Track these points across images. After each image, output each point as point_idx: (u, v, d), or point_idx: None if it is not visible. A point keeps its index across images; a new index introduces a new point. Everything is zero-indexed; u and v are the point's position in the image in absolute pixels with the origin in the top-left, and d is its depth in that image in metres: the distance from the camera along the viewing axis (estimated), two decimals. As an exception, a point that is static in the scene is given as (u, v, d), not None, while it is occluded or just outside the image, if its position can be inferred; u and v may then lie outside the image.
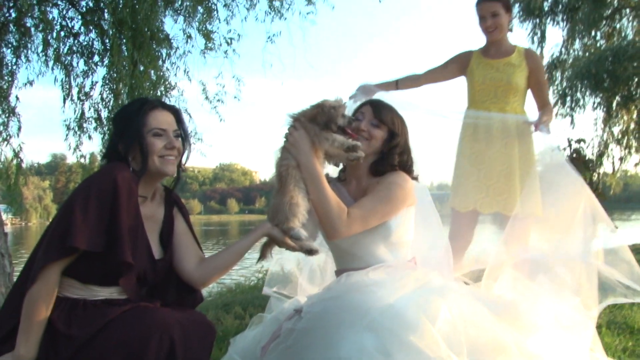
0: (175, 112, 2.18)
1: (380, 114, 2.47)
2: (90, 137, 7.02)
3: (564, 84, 18.19)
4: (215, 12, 7.33)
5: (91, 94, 6.98)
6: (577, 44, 18.44)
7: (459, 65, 3.80)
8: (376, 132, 2.45)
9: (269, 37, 7.43)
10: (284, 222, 2.15)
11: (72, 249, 1.85)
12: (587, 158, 7.86)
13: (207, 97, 7.69)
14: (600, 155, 16.86)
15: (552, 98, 18.66)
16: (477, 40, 3.75)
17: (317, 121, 2.26)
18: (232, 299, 5.77)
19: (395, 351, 1.81)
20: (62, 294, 1.92)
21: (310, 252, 2.17)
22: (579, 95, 17.61)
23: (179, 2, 7.14)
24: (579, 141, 7.81)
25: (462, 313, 1.96)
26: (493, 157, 3.53)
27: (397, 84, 3.70)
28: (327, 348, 1.93)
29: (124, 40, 6.25)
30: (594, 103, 17.72)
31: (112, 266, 1.92)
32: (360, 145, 2.28)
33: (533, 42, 18.91)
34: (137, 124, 2.04)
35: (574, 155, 7.57)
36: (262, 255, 2.35)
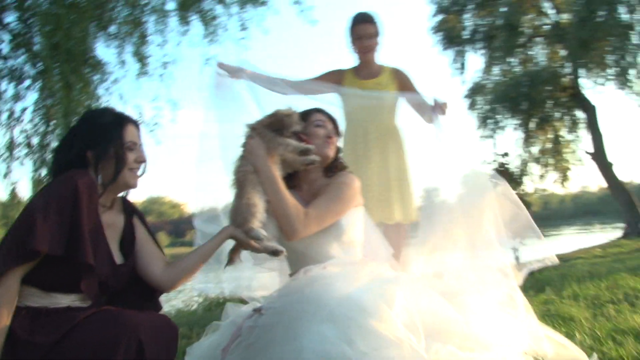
0: (138, 126, 2.24)
1: (337, 125, 2.64)
2: (22, 164, 6.81)
3: (485, 107, 19.18)
4: (148, 38, 7.36)
5: (21, 119, 6.78)
6: (496, 70, 19.56)
7: (330, 79, 3.77)
8: (335, 138, 2.61)
9: (207, 60, 7.49)
10: (244, 223, 2.23)
11: (34, 253, 1.83)
12: (511, 171, 8.35)
13: (143, 122, 7.62)
14: (522, 174, 17.78)
15: (474, 121, 19.62)
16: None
17: (272, 128, 2.40)
18: (176, 321, 5.69)
19: (356, 337, 1.92)
20: (22, 303, 1.89)
21: (274, 252, 2.25)
22: (499, 117, 18.61)
23: (114, 27, 7.13)
24: (504, 155, 8.30)
25: (417, 299, 2.11)
26: (370, 167, 3.59)
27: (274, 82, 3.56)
28: (290, 341, 2.00)
29: (57, 64, 6.15)
30: (514, 125, 18.78)
31: (73, 270, 1.91)
32: (313, 149, 2.42)
33: (455, 69, 19.95)
34: (115, 136, 2.09)
35: (500, 168, 8.04)
36: (231, 260, 2.41)
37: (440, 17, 19.70)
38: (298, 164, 2.45)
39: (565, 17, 18.12)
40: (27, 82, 6.70)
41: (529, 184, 18.02)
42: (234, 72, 3.27)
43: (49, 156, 7.20)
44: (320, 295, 2.09)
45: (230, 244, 2.37)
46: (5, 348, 1.80)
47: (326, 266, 2.31)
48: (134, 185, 2.18)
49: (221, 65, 3.28)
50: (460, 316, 2.18)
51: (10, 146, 6.79)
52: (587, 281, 5.14)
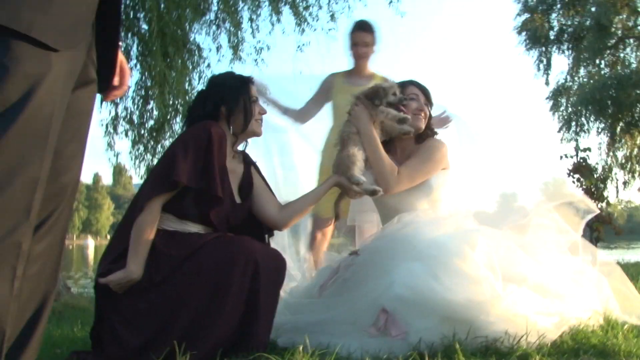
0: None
1: (429, 97, 2.88)
2: (126, 135, 7.40)
3: (569, 109, 18.66)
4: (242, 25, 7.78)
5: (125, 96, 7.35)
6: (582, 72, 18.99)
7: (323, 92, 3.93)
8: (427, 111, 2.85)
9: (298, 47, 7.81)
10: (346, 170, 2.51)
11: (175, 183, 2.22)
12: (592, 166, 8.23)
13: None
14: (604, 179, 17.17)
15: (557, 123, 19.14)
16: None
17: (370, 98, 2.69)
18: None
19: (441, 274, 2.14)
20: (160, 226, 2.27)
21: (373, 192, 2.51)
22: (583, 120, 18.06)
23: (211, 14, 7.61)
24: (585, 150, 8.21)
25: (496, 246, 2.30)
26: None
27: (285, 111, 3.82)
28: (382, 275, 2.27)
29: (159, 48, 6.64)
30: (598, 128, 18.18)
31: (204, 202, 2.28)
32: (409, 118, 2.67)
33: (539, 69, 19.50)
34: (243, 92, 2.46)
35: (582, 162, 7.97)
36: (336, 213, 2.75)
37: (525, 16, 19.32)
38: (396, 131, 2.71)
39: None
40: (132, 62, 7.26)
41: (612, 190, 17.39)
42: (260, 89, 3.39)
43: (146, 133, 7.77)
44: (411, 238, 2.36)
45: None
46: (149, 258, 2.19)
47: (418, 214, 2.56)
48: (259, 133, 2.55)
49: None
50: (535, 265, 2.36)
51: (115, 121, 7.41)
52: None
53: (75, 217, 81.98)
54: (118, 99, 7.36)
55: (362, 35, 3.85)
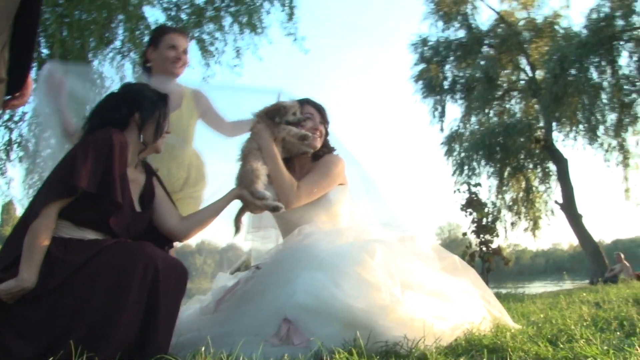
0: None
1: (325, 116, 2.94)
2: (20, 161, 7.01)
3: (462, 154, 19.78)
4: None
5: (20, 122, 7.02)
6: (473, 119, 20.34)
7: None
8: (322, 129, 2.91)
9: (203, 78, 7.81)
10: (250, 184, 2.52)
11: (74, 188, 2.13)
12: (482, 201, 8.76)
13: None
14: (494, 220, 18.23)
15: (451, 167, 20.21)
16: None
17: (270, 116, 2.75)
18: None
19: (343, 282, 2.17)
20: (57, 234, 2.16)
21: (275, 208, 2.52)
22: (474, 164, 19.18)
23: (117, 43, 7.50)
24: (476, 185, 8.72)
25: (394, 255, 2.39)
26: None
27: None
28: (283, 285, 2.27)
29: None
30: (487, 172, 19.37)
31: (102, 209, 2.20)
32: (310, 136, 2.74)
33: (434, 116, 20.63)
34: (161, 106, 2.44)
35: (473, 197, 8.45)
36: (237, 227, 2.70)
37: (422, 66, 20.51)
38: (296, 148, 2.77)
39: (539, 73, 19.07)
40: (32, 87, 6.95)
41: (501, 231, 18.46)
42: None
43: (41, 162, 7.38)
44: (312, 248, 2.39)
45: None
46: (43, 265, 2.07)
47: (317, 226, 2.61)
48: (160, 151, 2.50)
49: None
50: (430, 273, 2.47)
51: (8, 146, 7.01)
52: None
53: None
54: (13, 124, 7.01)
55: (182, 39, 3.39)
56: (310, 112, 2.90)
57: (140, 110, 2.40)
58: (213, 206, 2.56)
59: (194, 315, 2.68)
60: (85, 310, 1.99)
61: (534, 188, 19.54)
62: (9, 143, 7.04)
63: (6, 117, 6.96)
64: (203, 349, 1.86)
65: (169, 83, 3.28)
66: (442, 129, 20.81)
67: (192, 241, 2.96)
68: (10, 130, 7.03)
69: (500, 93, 19.85)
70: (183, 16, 7.81)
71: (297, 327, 2.13)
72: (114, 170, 2.22)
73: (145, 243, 2.21)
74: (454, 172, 19.77)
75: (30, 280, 2.04)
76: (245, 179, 2.56)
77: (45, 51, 6.75)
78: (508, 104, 20.28)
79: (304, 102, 2.94)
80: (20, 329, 2.01)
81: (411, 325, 2.07)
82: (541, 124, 18.92)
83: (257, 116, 2.80)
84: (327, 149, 2.95)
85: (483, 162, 19.03)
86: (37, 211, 2.13)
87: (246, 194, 2.53)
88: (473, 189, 8.58)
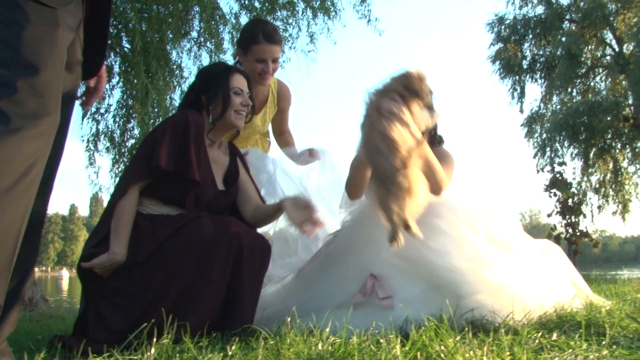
0: (248, 79, 2.60)
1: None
2: (107, 151, 7.35)
3: (544, 135, 19.03)
4: (222, 45, 7.86)
5: (106, 114, 7.35)
6: (555, 99, 19.47)
7: None
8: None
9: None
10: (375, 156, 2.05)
11: (155, 168, 2.22)
12: (567, 181, 8.39)
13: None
14: (579, 203, 17.45)
15: (532, 150, 19.50)
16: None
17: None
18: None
19: (426, 236, 2.06)
20: (145, 211, 2.28)
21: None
22: (557, 146, 18.41)
23: (192, 34, 7.69)
24: (560, 164, 8.37)
25: (477, 214, 2.39)
26: None
27: None
28: (369, 244, 2.29)
29: (142, 65, 6.67)
30: (572, 154, 18.55)
31: (185, 185, 2.27)
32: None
33: (513, 97, 19.94)
34: (223, 81, 2.46)
35: (558, 176, 8.11)
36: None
37: (499, 46, 19.85)
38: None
39: (627, 47, 17.97)
40: (114, 80, 7.28)
41: (587, 215, 17.65)
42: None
43: (126, 151, 7.74)
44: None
45: None
46: (132, 239, 2.17)
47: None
48: (238, 126, 2.52)
49: None
50: (518, 235, 2.49)
51: (95, 137, 7.37)
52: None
53: (50, 248, 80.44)
54: (99, 116, 7.36)
55: (273, 48, 3.28)
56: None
57: (204, 90, 2.45)
58: (270, 210, 2.51)
59: (276, 290, 2.74)
60: (173, 281, 2.07)
61: (622, 169, 18.52)
62: (97, 134, 7.39)
63: (93, 109, 7.32)
64: (289, 319, 1.88)
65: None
66: (521, 110, 20.10)
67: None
68: (97, 122, 7.37)
69: (583, 70, 18.86)
70: (256, 4, 7.90)
71: (382, 283, 2.15)
72: (190, 149, 2.28)
73: (230, 218, 2.26)
74: (536, 155, 19.07)
75: (121, 254, 2.15)
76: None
77: (127, 45, 7.03)
78: (592, 82, 19.25)
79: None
80: (114, 301, 2.13)
81: (499, 294, 2.01)
82: (630, 101, 17.85)
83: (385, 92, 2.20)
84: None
85: (566, 143, 18.23)
86: (123, 190, 2.24)
87: (290, 205, 2.35)
88: (557, 169, 8.22)
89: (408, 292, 2.05)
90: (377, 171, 2.03)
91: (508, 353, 1.49)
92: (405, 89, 2.15)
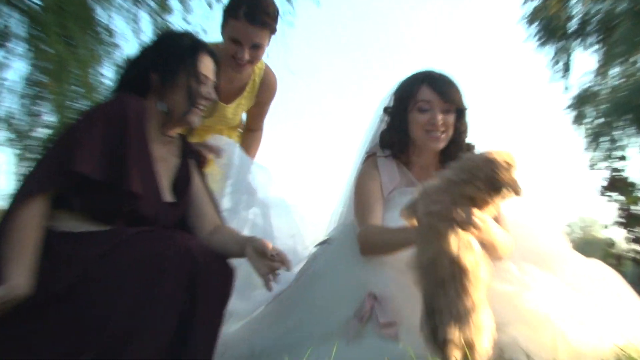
0: (217, 62, 2.57)
1: (449, 97, 2.96)
2: (9, 143, 7.18)
3: (598, 120, 19.07)
4: (168, 3, 7.81)
5: (4, 95, 7.16)
6: (615, 71, 19.45)
7: None
8: (450, 120, 2.95)
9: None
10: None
11: (74, 174, 2.16)
12: (631, 181, 8.38)
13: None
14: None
15: (582, 139, 19.55)
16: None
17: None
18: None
19: None
20: (61, 228, 2.22)
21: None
22: (617, 133, 18.44)
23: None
24: (621, 158, 8.38)
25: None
26: None
27: None
28: (359, 264, 2.48)
29: (57, 30, 6.55)
30: (638, 143, 18.55)
31: (119, 197, 2.22)
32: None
33: (556, 70, 19.97)
34: (190, 63, 2.41)
35: (617, 175, 8.11)
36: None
37: (537, 1, 19.91)
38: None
39: None
40: (18, 48, 7.16)
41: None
42: None
43: (36, 145, 7.65)
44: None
45: None
46: (43, 265, 2.11)
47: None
48: (194, 124, 2.50)
49: None
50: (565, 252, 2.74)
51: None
52: None
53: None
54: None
55: (255, 32, 3.53)
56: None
57: (160, 67, 2.40)
58: (231, 246, 2.50)
59: (242, 324, 2.75)
60: (107, 316, 2.01)
61: None
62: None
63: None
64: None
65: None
66: (568, 87, 20.16)
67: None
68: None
69: (654, 32, 18.93)
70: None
71: (384, 306, 2.21)
72: (128, 153, 2.23)
73: (180, 232, 2.23)
74: (588, 147, 19.14)
75: (24, 285, 2.07)
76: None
77: (37, 1, 6.94)
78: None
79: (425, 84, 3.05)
80: (29, 344, 2.05)
81: (539, 327, 2.02)
82: None
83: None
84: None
85: (630, 130, 18.29)
86: (24, 199, 2.16)
87: (254, 255, 2.39)
88: (617, 165, 8.22)
89: (415, 315, 2.04)
90: (429, 303, 2.02)
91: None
92: (488, 181, 2.17)
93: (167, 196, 2.42)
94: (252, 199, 3.53)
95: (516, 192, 2.14)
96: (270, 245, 2.29)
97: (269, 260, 2.31)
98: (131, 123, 2.26)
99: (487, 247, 2.23)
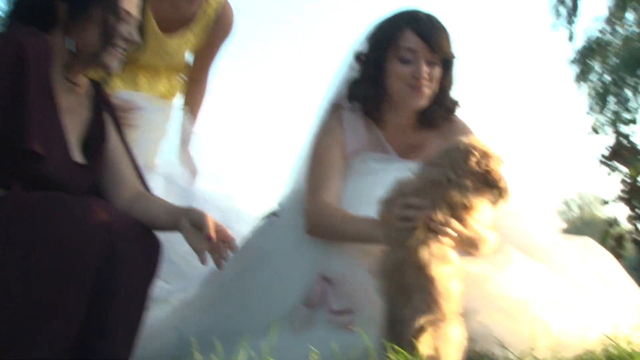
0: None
1: (438, 46, 2.88)
2: None
3: (606, 76, 19.21)
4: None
5: None
6: (629, 18, 19.60)
7: None
8: (436, 73, 2.90)
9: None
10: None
11: None
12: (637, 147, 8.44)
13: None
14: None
15: (586, 98, 19.70)
16: None
17: None
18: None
19: None
20: None
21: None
22: (628, 92, 18.66)
23: None
24: (628, 122, 8.44)
25: None
26: None
27: None
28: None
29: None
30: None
31: (17, 157, 2.19)
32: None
33: (558, 15, 19.90)
34: None
35: (623, 142, 8.19)
36: None
37: None
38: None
39: None
40: None
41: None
42: None
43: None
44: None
45: None
46: None
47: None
48: (110, 69, 2.47)
49: None
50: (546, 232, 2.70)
51: None
52: None
53: None
54: None
55: None
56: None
57: None
58: (160, 218, 2.47)
59: (170, 310, 2.79)
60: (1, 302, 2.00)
61: None
62: None
63: None
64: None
65: None
66: (573, 35, 20.29)
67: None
68: None
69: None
70: None
71: (339, 290, 2.27)
72: (26, 101, 2.18)
73: (94, 198, 2.22)
74: (592, 107, 19.37)
75: None
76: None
77: None
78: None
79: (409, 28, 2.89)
80: None
81: (515, 314, 2.13)
82: None
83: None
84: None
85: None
86: None
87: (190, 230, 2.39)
88: (624, 130, 8.31)
89: (378, 307, 2.09)
90: (391, 311, 2.10)
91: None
92: (479, 179, 2.21)
93: (77, 156, 2.38)
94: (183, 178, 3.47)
95: (506, 193, 2.19)
96: (211, 219, 2.29)
97: (209, 238, 2.30)
98: (30, 65, 2.16)
99: (468, 247, 2.32)
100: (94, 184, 2.47)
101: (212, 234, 2.27)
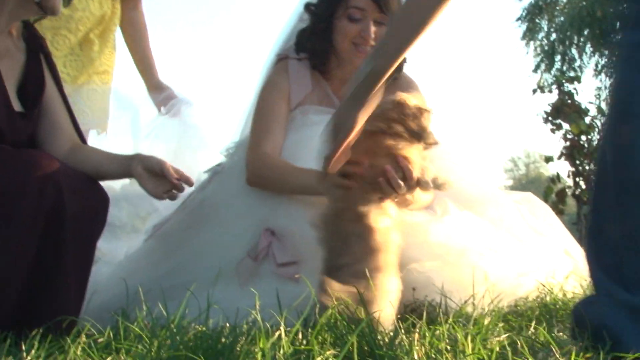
0: None
1: (387, 5, 2.87)
2: None
3: (552, 36, 19.41)
4: None
5: None
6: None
7: None
8: (383, 32, 2.89)
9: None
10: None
11: None
12: (582, 106, 8.57)
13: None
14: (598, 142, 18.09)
15: (532, 58, 19.88)
16: None
17: None
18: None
19: None
20: None
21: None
22: (574, 52, 18.87)
23: None
24: (572, 79, 8.53)
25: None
26: None
27: None
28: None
29: None
30: (597, 64, 19.05)
31: None
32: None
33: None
34: None
35: (566, 99, 8.31)
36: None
37: None
38: None
39: None
40: None
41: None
42: None
43: None
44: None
45: None
46: None
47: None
48: (55, 11, 2.41)
49: None
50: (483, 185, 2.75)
51: None
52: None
53: None
54: None
55: None
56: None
57: None
58: (107, 165, 2.46)
59: (116, 266, 2.82)
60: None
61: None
62: None
63: None
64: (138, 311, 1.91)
65: None
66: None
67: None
68: None
69: None
70: None
71: (283, 243, 2.31)
72: None
73: (36, 150, 2.19)
74: (538, 66, 19.51)
75: None
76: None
77: None
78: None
79: None
80: None
81: (453, 263, 2.20)
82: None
83: None
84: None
85: (588, 48, 18.70)
86: None
87: (143, 174, 2.40)
88: (568, 87, 8.37)
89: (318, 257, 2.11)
90: (329, 259, 2.12)
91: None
92: (407, 130, 2.22)
93: (16, 104, 2.32)
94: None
95: (433, 140, 2.24)
96: (168, 164, 2.27)
97: (167, 181, 2.31)
98: None
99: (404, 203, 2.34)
100: (31, 134, 2.42)
101: (174, 181, 2.29)
